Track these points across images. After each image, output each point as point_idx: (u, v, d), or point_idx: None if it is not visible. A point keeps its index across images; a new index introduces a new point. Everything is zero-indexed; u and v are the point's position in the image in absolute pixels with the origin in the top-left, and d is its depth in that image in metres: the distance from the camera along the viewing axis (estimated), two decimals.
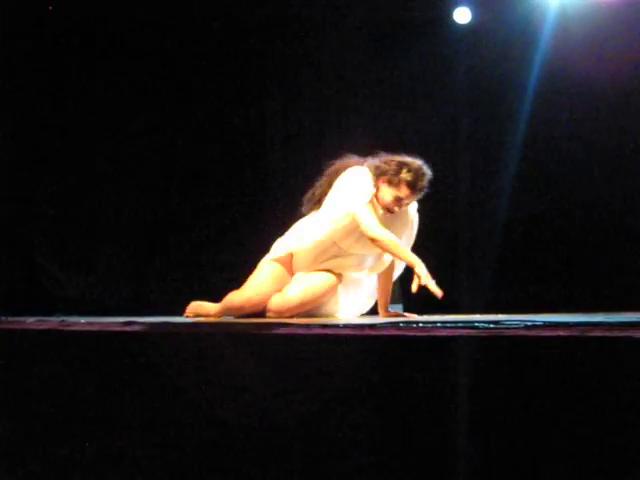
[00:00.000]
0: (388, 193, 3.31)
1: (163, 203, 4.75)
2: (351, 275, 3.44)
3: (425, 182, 3.31)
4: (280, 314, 3.29)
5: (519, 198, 4.20)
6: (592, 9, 4.02)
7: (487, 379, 2.16)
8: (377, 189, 3.34)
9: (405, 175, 3.28)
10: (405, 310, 4.42)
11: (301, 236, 3.39)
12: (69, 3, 4.68)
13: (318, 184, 3.45)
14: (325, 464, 2.34)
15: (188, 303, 3.73)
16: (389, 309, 3.59)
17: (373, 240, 3.22)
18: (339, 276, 3.40)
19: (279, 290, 3.35)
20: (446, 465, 2.19)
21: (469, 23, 4.35)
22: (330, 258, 3.38)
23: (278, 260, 3.42)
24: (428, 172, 3.33)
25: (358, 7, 4.42)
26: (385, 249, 3.27)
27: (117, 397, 2.73)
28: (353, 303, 3.49)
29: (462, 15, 4.35)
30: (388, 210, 3.34)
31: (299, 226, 3.46)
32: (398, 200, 3.31)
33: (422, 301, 4.31)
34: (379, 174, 3.32)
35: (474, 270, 4.23)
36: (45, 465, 2.79)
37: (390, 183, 3.30)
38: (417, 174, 3.29)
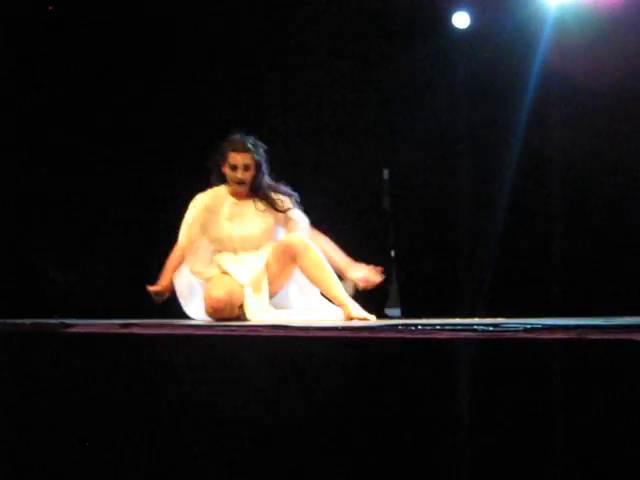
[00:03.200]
0: (227, 169, 3.53)
1: (162, 204, 4.75)
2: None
3: (247, 142, 3.52)
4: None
5: (518, 202, 4.20)
6: (590, 13, 4.03)
7: (486, 382, 2.15)
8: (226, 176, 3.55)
9: (226, 146, 3.53)
10: (404, 314, 4.43)
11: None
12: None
13: None
14: (321, 466, 2.33)
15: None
16: (386, 311, 3.63)
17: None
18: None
19: (230, 294, 3.41)
20: (445, 467, 2.19)
21: (468, 28, 4.36)
22: (222, 258, 3.51)
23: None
24: (244, 136, 3.54)
25: (355, 12, 4.43)
26: None
27: (115, 399, 2.72)
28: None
29: (461, 20, 4.36)
30: (238, 185, 3.51)
31: None
32: (233, 168, 3.50)
33: (421, 305, 4.34)
34: (218, 165, 3.56)
35: (473, 273, 4.24)
36: (42, 467, 2.79)
37: (223, 162, 3.54)
38: (233, 139, 3.53)
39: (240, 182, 3.51)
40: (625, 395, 2.01)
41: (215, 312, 3.40)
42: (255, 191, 3.54)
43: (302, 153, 4.53)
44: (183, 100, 4.67)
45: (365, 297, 3.62)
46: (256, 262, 3.48)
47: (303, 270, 3.41)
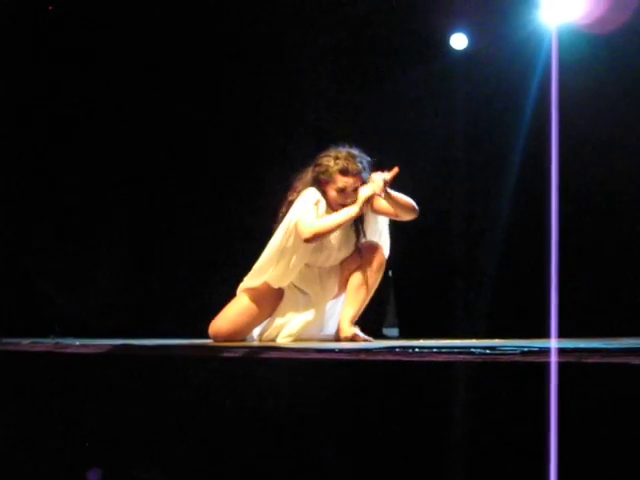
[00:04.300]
0: (332, 190, 3.33)
1: (161, 224, 4.75)
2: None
3: (356, 163, 3.32)
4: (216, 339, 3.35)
5: (516, 222, 4.20)
6: (588, 35, 4.05)
7: (483, 405, 2.15)
8: (326, 195, 3.35)
9: (333, 166, 3.31)
10: (401, 334, 4.43)
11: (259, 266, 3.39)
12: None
13: (283, 206, 3.43)
14: None
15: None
16: (383, 331, 3.58)
17: (311, 238, 3.23)
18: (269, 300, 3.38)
19: (256, 318, 3.37)
20: None
21: (466, 49, 4.38)
22: (305, 276, 3.38)
23: (249, 289, 3.41)
24: (355, 152, 3.35)
25: (354, 32, 4.45)
26: (329, 233, 3.26)
27: (112, 420, 2.71)
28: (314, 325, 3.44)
29: (459, 41, 4.38)
30: (342, 206, 3.32)
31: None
32: (342, 191, 3.31)
33: (419, 325, 4.33)
34: (318, 181, 3.35)
35: (471, 293, 4.23)
36: None
37: (328, 182, 3.33)
38: (344, 159, 3.31)
39: (347, 204, 3.31)
40: (623, 419, 2.00)
41: (214, 339, 3.39)
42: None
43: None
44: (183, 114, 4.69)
45: (363, 317, 3.62)
46: (334, 283, 3.41)
47: (357, 272, 3.33)
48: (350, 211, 3.27)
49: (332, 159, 3.32)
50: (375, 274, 3.36)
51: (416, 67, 4.32)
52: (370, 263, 3.34)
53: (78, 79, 4.62)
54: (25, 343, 3.12)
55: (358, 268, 3.36)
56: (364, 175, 3.33)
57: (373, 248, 3.38)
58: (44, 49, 4.58)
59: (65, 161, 4.68)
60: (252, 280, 3.41)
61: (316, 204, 3.30)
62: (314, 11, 4.48)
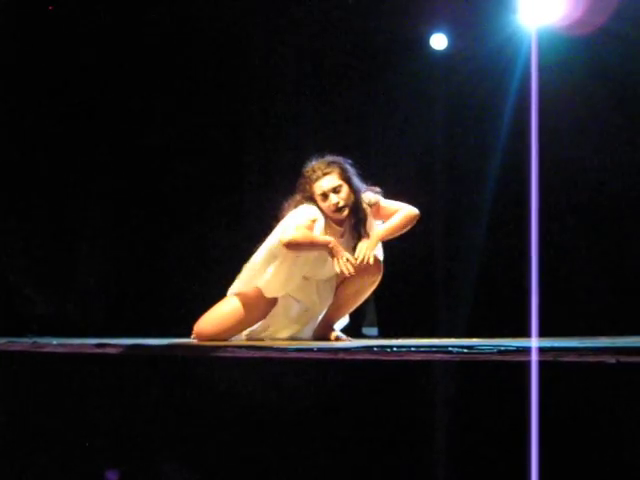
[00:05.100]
0: (320, 202, 3.29)
1: (139, 224, 4.73)
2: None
3: (325, 164, 3.29)
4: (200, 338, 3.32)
5: (496, 222, 4.23)
6: (567, 36, 4.09)
7: (461, 404, 2.16)
8: (322, 212, 3.31)
9: (307, 176, 3.30)
10: (381, 333, 4.44)
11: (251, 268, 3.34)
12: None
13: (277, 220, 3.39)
14: None
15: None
16: (363, 330, 3.57)
17: (288, 245, 3.18)
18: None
19: (243, 323, 3.33)
20: None
21: (445, 49, 4.40)
22: (303, 288, 3.36)
23: (241, 293, 3.37)
24: (325, 159, 3.32)
25: (333, 34, 4.46)
26: (302, 247, 3.20)
27: (88, 420, 2.70)
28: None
29: (438, 41, 4.41)
30: (336, 212, 3.28)
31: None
32: (325, 196, 3.27)
33: (398, 324, 4.35)
34: (306, 198, 3.32)
35: (451, 292, 4.25)
36: None
37: (312, 197, 3.30)
38: (313, 166, 3.30)
39: (339, 208, 3.25)
40: (598, 417, 2.02)
41: (197, 339, 3.36)
42: (353, 213, 3.28)
43: (279, 179, 4.53)
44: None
45: None
46: (331, 292, 3.38)
47: (352, 278, 3.27)
48: (330, 244, 3.19)
49: (306, 175, 3.32)
50: (370, 283, 3.34)
51: (396, 68, 4.34)
52: (367, 271, 3.30)
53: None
54: (2, 342, 3.09)
55: (354, 274, 3.29)
56: (345, 174, 3.29)
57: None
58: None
59: (44, 159, 4.65)
60: (242, 282, 3.37)
61: (312, 221, 3.26)
62: (293, 15, 4.48)
